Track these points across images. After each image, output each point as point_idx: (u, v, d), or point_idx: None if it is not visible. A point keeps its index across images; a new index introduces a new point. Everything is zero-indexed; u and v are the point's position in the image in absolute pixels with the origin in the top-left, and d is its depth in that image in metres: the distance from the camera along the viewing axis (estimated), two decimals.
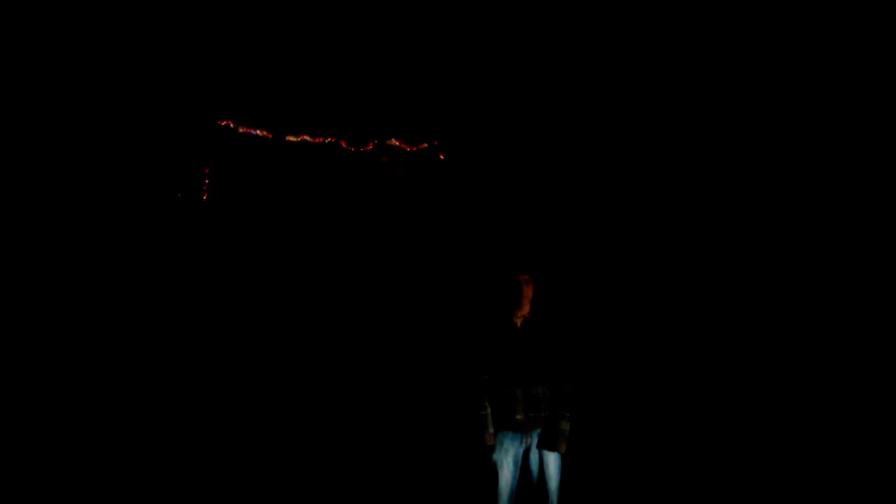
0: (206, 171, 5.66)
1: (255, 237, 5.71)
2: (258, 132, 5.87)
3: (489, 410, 3.30)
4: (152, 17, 5.10)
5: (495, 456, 3.30)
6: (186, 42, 5.37)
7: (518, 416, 3.24)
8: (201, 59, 5.49)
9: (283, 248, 5.71)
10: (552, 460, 3.29)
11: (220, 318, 5.32)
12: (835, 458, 4.15)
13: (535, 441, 3.29)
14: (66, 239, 5.00)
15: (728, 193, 5.23)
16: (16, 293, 4.78)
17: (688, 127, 5.40)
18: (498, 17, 5.64)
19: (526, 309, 3.39)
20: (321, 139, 6.12)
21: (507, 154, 5.95)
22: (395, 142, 6.35)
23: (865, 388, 4.41)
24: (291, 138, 6.00)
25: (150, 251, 5.31)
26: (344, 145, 6.19)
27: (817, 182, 4.95)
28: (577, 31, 5.57)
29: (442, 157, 6.36)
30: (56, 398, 4.73)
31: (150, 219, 5.38)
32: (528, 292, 3.36)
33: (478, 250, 5.78)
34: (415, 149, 6.40)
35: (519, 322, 3.38)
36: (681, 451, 4.44)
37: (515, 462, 3.31)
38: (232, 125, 5.78)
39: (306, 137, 6.05)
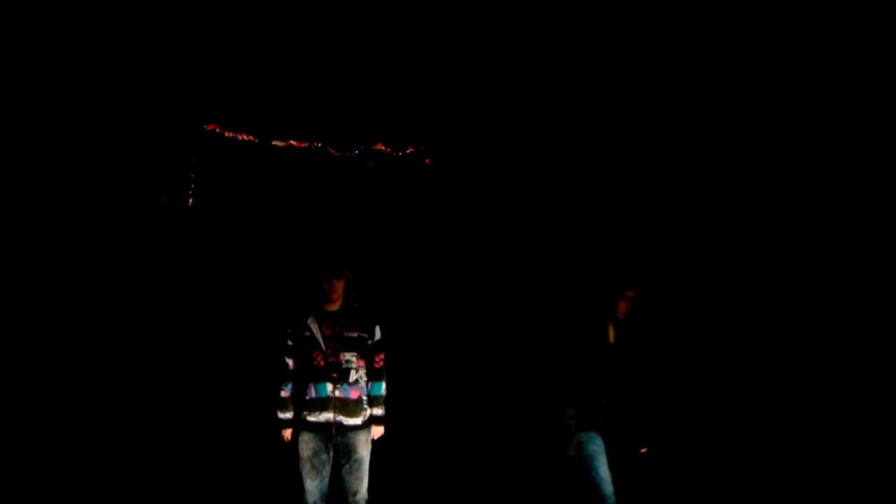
0: (192, 175, 5.61)
1: (242, 243, 5.67)
2: (244, 136, 5.83)
3: (575, 421, 3.35)
4: (136, 22, 5.03)
5: (585, 452, 3.37)
6: (171, 46, 5.31)
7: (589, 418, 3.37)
8: (186, 63, 5.43)
9: (269, 253, 5.68)
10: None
11: (206, 324, 5.27)
12: (821, 462, 4.25)
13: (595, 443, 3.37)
14: (48, 244, 4.90)
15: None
16: None
17: (679, 133, 5.47)
18: (484, 21, 5.69)
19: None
20: (307, 144, 6.11)
21: (496, 158, 6.01)
22: (381, 147, 6.36)
23: (845, 393, 4.52)
24: (277, 143, 5.98)
25: (134, 257, 5.23)
26: (330, 150, 6.19)
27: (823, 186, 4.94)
28: (563, 39, 5.65)
29: (428, 163, 6.40)
30: (37, 403, 4.66)
31: (135, 224, 5.31)
32: (626, 308, 3.43)
33: (461, 255, 5.83)
34: (401, 154, 6.42)
35: (612, 335, 3.45)
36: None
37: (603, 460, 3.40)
38: (218, 129, 5.73)
39: (292, 142, 6.03)
